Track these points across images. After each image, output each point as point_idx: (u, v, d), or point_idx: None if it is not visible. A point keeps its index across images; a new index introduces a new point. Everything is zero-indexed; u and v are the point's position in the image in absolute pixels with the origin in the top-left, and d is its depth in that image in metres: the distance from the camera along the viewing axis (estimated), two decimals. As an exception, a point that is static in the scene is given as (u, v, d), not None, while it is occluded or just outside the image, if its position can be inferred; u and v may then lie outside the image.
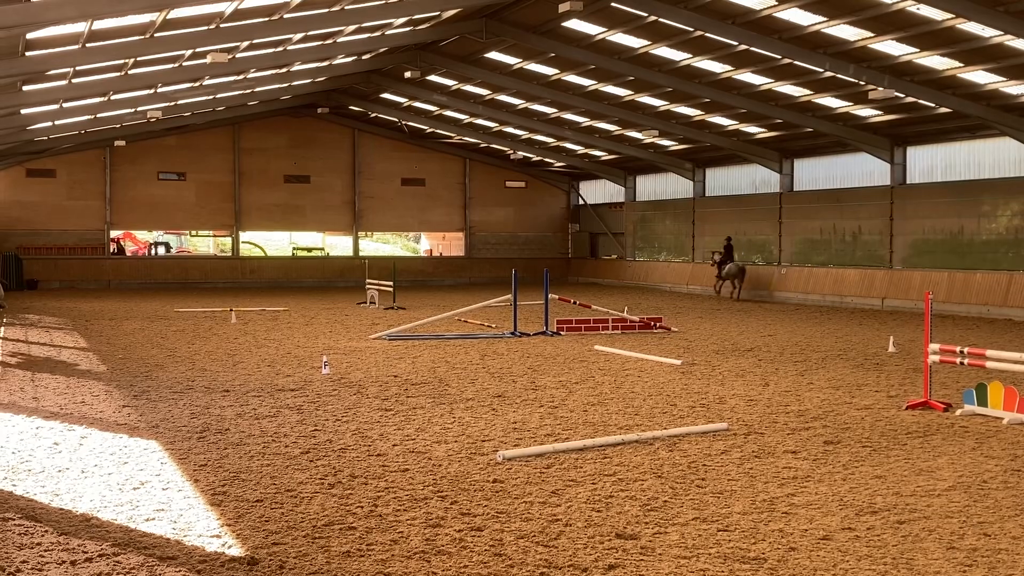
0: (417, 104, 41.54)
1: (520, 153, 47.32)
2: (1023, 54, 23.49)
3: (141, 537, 7.46)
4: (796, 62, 26.33)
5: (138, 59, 25.89)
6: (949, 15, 21.83)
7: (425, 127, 45.63)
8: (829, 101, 30.69)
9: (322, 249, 57.38)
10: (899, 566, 6.86)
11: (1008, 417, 12.08)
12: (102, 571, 6.70)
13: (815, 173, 37.35)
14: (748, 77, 29.40)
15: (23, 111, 30.83)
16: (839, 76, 26.70)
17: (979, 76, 25.82)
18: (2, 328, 24.82)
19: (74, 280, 44.14)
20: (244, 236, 49.90)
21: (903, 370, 17.03)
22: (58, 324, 26.05)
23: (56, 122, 35.35)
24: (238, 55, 27.80)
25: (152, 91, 32.07)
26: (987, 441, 11.04)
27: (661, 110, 35.16)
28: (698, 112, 34.77)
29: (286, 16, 23.86)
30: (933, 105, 28.26)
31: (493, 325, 24.88)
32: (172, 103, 35.34)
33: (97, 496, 8.62)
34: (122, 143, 43.28)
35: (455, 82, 36.17)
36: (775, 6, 23.34)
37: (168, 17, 21.97)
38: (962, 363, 13.05)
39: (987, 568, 6.82)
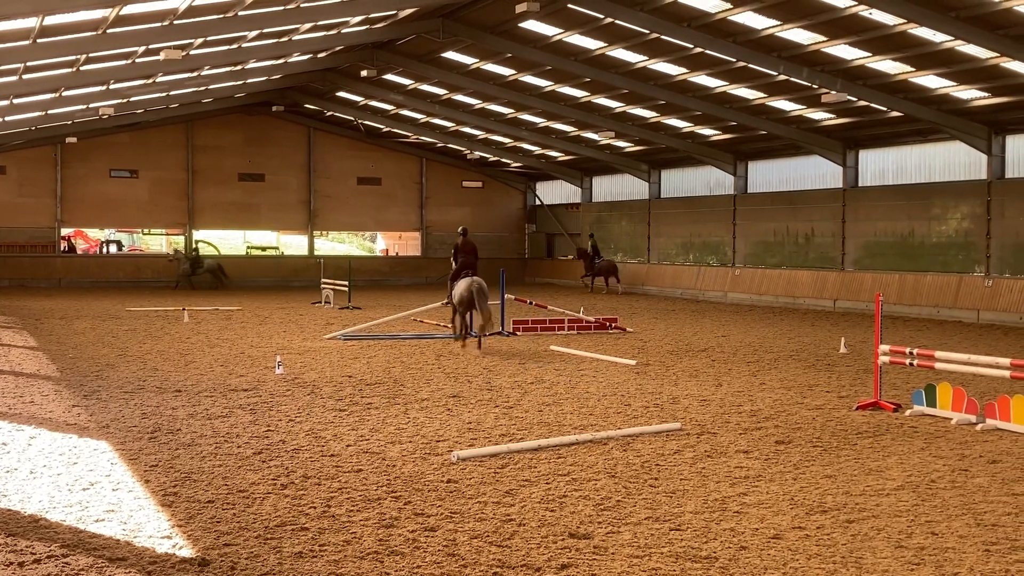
0: (373, 103, 41.41)
1: (477, 153, 47.31)
2: (973, 59, 23.83)
3: (91, 538, 7.38)
4: (751, 65, 26.54)
5: (90, 55, 25.59)
6: (901, 20, 22.09)
7: (381, 126, 45.49)
8: (783, 104, 30.96)
9: (277, 248, 56.99)
10: (848, 565, 6.94)
11: (956, 417, 12.25)
12: (51, 572, 6.63)
13: (769, 175, 37.66)
14: (703, 80, 29.59)
15: (-28, 107, 30.40)
16: (793, 79, 26.95)
17: (930, 80, 26.16)
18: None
19: (24, 278, 43.52)
20: (197, 234, 49.43)
21: (854, 371, 17.22)
22: (7, 323, 25.68)
23: (6, 118, 34.83)
24: (192, 52, 27.55)
25: (104, 88, 31.71)
26: (935, 441, 11.19)
27: (617, 111, 35.30)
28: (654, 114, 34.94)
29: (241, 13, 23.69)
30: (885, 109, 28.59)
31: (449, 326, 24.82)
32: (125, 100, 34.98)
33: (46, 497, 8.51)
34: (73, 140, 42.73)
35: (412, 81, 36.09)
36: (730, 9, 23.51)
37: (121, 13, 21.71)
38: (912, 364, 13.22)
39: (934, 566, 6.91)
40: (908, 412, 12.81)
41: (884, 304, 13.77)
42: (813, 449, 10.71)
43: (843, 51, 25.00)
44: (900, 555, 7.15)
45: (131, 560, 6.90)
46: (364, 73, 33.11)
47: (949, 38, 22.51)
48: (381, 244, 65.57)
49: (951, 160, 30.62)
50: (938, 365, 13.07)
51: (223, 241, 58.34)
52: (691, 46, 26.02)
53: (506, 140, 44.20)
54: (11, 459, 9.93)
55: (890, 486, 9.12)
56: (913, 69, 25.41)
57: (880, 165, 33.08)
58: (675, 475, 9.49)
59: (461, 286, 19.80)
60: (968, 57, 23.82)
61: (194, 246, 45.12)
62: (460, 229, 22.26)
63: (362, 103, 41.99)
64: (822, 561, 7.00)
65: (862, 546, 7.35)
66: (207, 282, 42.69)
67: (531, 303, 25.71)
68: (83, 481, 9.06)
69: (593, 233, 43.98)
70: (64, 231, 46.54)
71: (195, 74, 32.05)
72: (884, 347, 13.34)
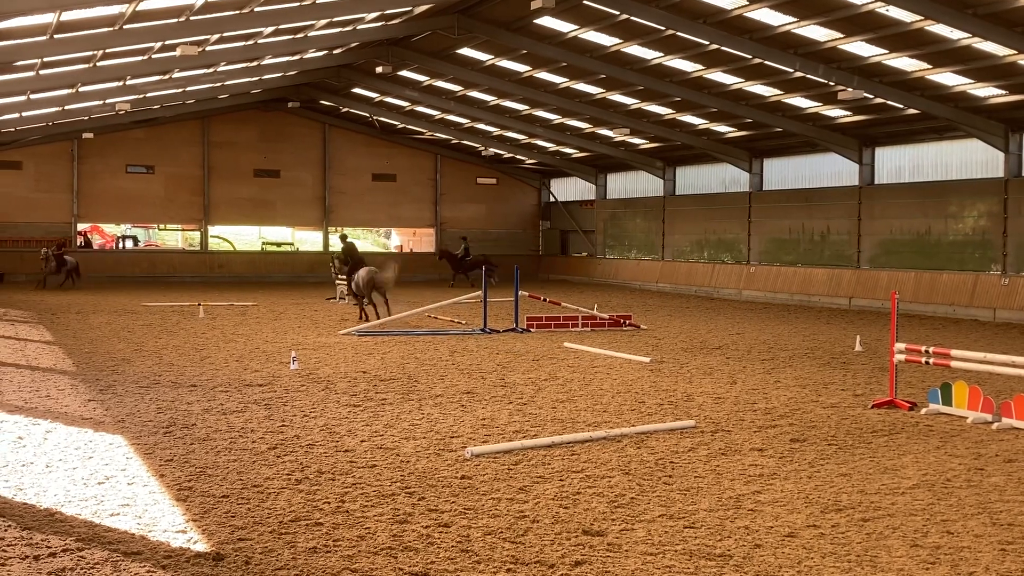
0: (388, 99, 41.42)
1: (492, 150, 47.28)
2: (990, 56, 23.71)
3: (106, 532, 7.41)
4: (766, 62, 26.45)
5: (107, 51, 25.66)
6: (918, 17, 22.00)
7: (396, 122, 45.51)
8: (799, 101, 30.85)
9: (291, 244, 57.06)
10: (863, 563, 6.91)
11: (972, 416, 12.20)
12: (66, 566, 6.65)
13: (784, 173, 37.55)
14: (719, 76, 29.51)
15: (-11, 102, 30.53)
16: (809, 76, 26.85)
17: (947, 78, 26.04)
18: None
19: (40, 273, 43.63)
20: (213, 230, 49.56)
21: (869, 369, 17.15)
22: (24, 317, 25.80)
23: (23, 113, 34.99)
24: (208, 48, 27.62)
25: (121, 83, 31.81)
26: (951, 440, 11.15)
27: (632, 108, 35.23)
28: (669, 111, 34.87)
29: (257, 9, 23.72)
30: (901, 106, 28.47)
31: (463, 322, 24.85)
32: (141, 96, 35.07)
33: (61, 491, 8.55)
34: (90, 135, 42.89)
35: (427, 78, 36.10)
36: (746, 6, 23.44)
37: (137, 9, 21.78)
38: (927, 362, 13.16)
39: (950, 566, 6.89)
40: (924, 411, 12.76)
41: (900, 302, 13.72)
42: (828, 447, 10.67)
43: (859, 48, 24.90)
44: (915, 554, 7.12)
45: (146, 554, 6.92)
46: (379, 69, 33.12)
47: (966, 35, 22.40)
48: (396, 240, 65.60)
49: (968, 158, 30.47)
50: (954, 364, 13.01)
51: (239, 237, 58.51)
52: (707, 43, 25.95)
53: (521, 137, 44.17)
54: (27, 453, 9.98)
55: (905, 485, 9.09)
56: (930, 66, 25.29)
57: (896, 163, 32.94)
58: (689, 473, 9.47)
59: (364, 275, 24.66)
60: (985, 54, 23.70)
61: (58, 246, 41.43)
62: (342, 233, 30.02)
63: (377, 99, 42.02)
64: (837, 560, 6.98)
65: (877, 545, 7.32)
66: (60, 280, 39.58)
67: (545, 300, 25.69)
68: (98, 475, 9.10)
69: (466, 236, 48.14)
70: (80, 226, 46.72)
71: (211, 70, 32.13)
72: (900, 345, 13.29)
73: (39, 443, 10.44)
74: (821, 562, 6.92)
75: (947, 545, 7.33)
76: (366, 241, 73.55)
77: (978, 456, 10.33)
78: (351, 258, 26.48)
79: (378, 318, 24.39)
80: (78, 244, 46.02)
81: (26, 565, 6.68)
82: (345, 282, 26.17)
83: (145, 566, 6.69)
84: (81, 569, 6.61)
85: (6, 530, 7.41)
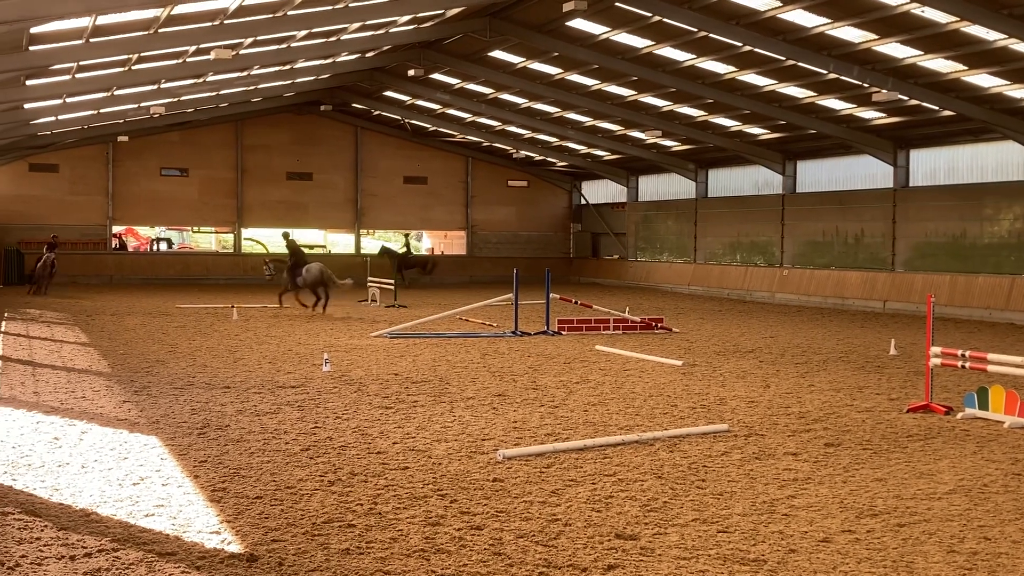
0: (420, 102, 41.53)
1: (523, 152, 47.31)
2: (1027, 58, 23.50)
3: (140, 533, 7.45)
4: (800, 64, 26.32)
5: (142, 55, 25.89)
6: (954, 18, 21.81)
7: (428, 125, 45.63)
8: (832, 103, 30.66)
9: (324, 246, 57.32)
10: (899, 569, 6.85)
11: (1009, 421, 12.06)
12: (101, 566, 6.70)
13: (818, 175, 37.33)
14: (752, 78, 29.38)
15: (26, 105, 30.82)
16: (843, 78, 26.68)
17: (983, 79, 25.80)
18: (3, 323, 24.83)
19: (76, 275, 44.03)
20: (246, 232, 49.85)
21: (904, 373, 17.01)
22: (59, 319, 26.05)
23: (59, 117, 35.31)
24: (242, 52, 27.79)
25: (155, 87, 32.06)
26: (988, 445, 11.03)
27: (664, 110, 35.14)
28: (701, 113, 34.75)
29: (290, 13, 23.85)
30: (937, 108, 28.24)
31: (494, 324, 24.86)
32: (175, 99, 35.34)
33: (97, 491, 8.61)
34: (125, 138, 43.25)
35: (458, 81, 36.16)
36: (780, 7, 23.34)
37: (172, 13, 21.95)
38: (963, 366, 13.03)
39: (987, 572, 6.81)
40: (960, 415, 12.64)
41: (935, 305, 13.59)
42: (863, 452, 10.58)
43: (894, 49, 24.72)
44: (952, 560, 7.05)
45: (180, 555, 6.96)
46: (411, 72, 33.22)
47: (1002, 36, 22.18)
48: (427, 243, 65.76)
49: (1004, 160, 30.17)
50: (990, 367, 12.87)
51: (271, 240, 58.77)
52: (740, 44, 25.84)
53: (552, 139, 44.15)
54: (63, 454, 10.06)
55: (942, 490, 9.00)
56: (965, 68, 25.07)
57: (931, 165, 32.67)
58: (723, 477, 9.42)
59: (315, 270, 27.94)
60: (1022, 56, 23.45)
61: (48, 247, 39.15)
62: (283, 232, 31.46)
63: (409, 102, 42.13)
64: (872, 565, 6.92)
65: (913, 551, 7.25)
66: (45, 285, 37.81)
67: (576, 302, 25.65)
68: (133, 476, 9.16)
69: (408, 234, 49.67)
70: (115, 229, 47.13)
71: (244, 73, 32.32)
72: (935, 349, 13.17)
73: (75, 444, 10.53)
74: (856, 568, 6.86)
75: (984, 551, 7.25)
76: (397, 244, 73.83)
77: (1015, 461, 10.21)
78: (294, 256, 28.65)
79: (311, 310, 27.88)
80: (113, 246, 46.45)
81: (62, 565, 6.74)
82: (289, 276, 28.55)
83: (180, 567, 6.72)
84: (116, 569, 6.65)
85: (43, 530, 7.48)
